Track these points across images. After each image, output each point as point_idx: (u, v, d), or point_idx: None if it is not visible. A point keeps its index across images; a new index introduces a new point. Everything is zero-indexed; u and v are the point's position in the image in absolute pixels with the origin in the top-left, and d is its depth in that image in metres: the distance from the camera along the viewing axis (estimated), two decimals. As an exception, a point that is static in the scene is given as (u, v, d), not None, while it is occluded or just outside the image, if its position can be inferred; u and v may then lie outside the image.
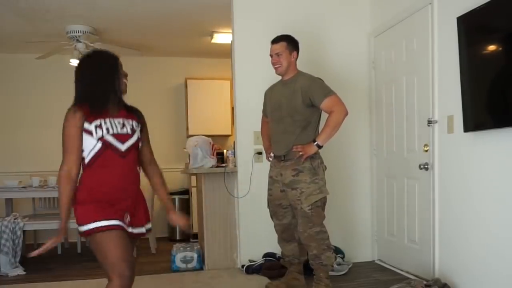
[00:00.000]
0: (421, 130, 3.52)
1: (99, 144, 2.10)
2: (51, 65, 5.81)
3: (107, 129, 2.11)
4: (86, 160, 2.11)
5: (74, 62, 5.24)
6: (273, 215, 3.37)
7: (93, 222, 2.05)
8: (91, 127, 2.08)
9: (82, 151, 2.10)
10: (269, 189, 3.33)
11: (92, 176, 2.13)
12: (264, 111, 3.49)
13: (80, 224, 2.08)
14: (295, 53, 3.23)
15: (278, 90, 3.28)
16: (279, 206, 3.28)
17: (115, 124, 2.14)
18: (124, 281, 2.03)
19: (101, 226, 2.05)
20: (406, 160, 3.75)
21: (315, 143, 3.05)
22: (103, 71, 2.14)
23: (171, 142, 6.46)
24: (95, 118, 2.09)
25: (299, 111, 3.11)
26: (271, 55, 3.24)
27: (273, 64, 3.23)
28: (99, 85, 2.12)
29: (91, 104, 2.10)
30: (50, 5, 4.42)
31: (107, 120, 2.12)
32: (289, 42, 3.21)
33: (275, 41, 3.23)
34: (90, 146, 2.09)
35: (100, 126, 2.10)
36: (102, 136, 2.10)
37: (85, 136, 2.08)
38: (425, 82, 3.45)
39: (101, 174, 2.12)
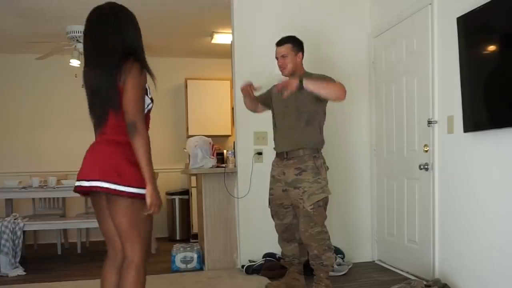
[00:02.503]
0: (421, 130, 3.52)
1: (151, 104, 2.07)
2: (51, 65, 5.81)
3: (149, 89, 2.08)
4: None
5: (74, 63, 5.24)
6: (274, 214, 3.37)
7: (144, 188, 1.94)
8: (146, 85, 2.02)
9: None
10: (270, 189, 3.34)
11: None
12: (261, 95, 3.41)
13: (138, 186, 1.93)
14: (300, 54, 3.24)
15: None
16: (281, 205, 3.29)
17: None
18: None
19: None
20: (406, 160, 3.75)
21: (299, 80, 2.88)
22: (138, 29, 2.08)
23: (171, 142, 6.46)
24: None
25: (305, 104, 3.11)
26: (276, 58, 3.25)
27: (280, 66, 3.24)
28: (141, 42, 2.06)
29: (142, 61, 2.00)
30: (50, 5, 4.43)
31: None
32: (294, 44, 3.22)
33: (280, 43, 3.23)
34: (146, 102, 2.02)
35: (148, 86, 2.06)
36: (151, 96, 2.07)
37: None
38: (425, 82, 3.45)
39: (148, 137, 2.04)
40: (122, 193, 1.92)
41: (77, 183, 2.01)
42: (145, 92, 2.01)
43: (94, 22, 2.03)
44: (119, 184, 1.91)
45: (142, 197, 1.94)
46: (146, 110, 2.03)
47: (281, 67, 3.24)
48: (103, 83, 1.95)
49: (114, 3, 2.09)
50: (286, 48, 3.19)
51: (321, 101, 3.11)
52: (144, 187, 1.94)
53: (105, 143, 2.01)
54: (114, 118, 1.99)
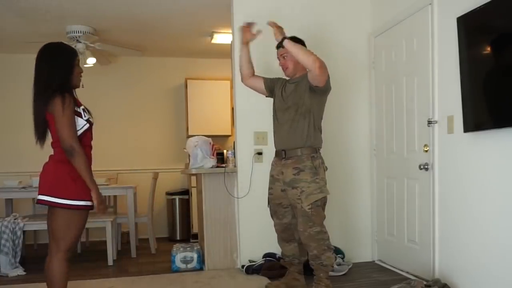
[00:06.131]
0: (421, 130, 3.52)
1: (87, 125, 2.44)
2: (51, 65, 5.80)
3: (89, 112, 2.50)
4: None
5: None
6: (273, 214, 3.37)
7: (85, 200, 2.40)
8: (80, 109, 2.43)
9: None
10: (269, 188, 3.34)
11: None
12: (265, 79, 3.45)
13: (76, 198, 2.37)
14: None
15: (287, 86, 3.32)
16: (279, 205, 3.29)
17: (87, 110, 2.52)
18: None
19: (88, 206, 2.42)
20: (406, 160, 3.75)
21: (284, 35, 3.09)
22: (74, 62, 2.45)
23: (171, 142, 6.46)
24: (80, 103, 2.47)
25: (302, 96, 3.13)
26: (278, 58, 3.29)
27: (282, 67, 3.28)
28: (70, 73, 2.43)
29: (71, 91, 2.43)
30: (50, 5, 4.43)
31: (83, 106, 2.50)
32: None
33: (280, 44, 3.23)
34: (79, 126, 2.41)
35: (85, 110, 2.47)
36: (89, 118, 2.46)
37: (76, 118, 2.39)
38: (425, 82, 3.45)
39: (86, 152, 2.42)
40: (58, 205, 2.36)
41: (40, 197, 2.45)
42: (79, 115, 2.40)
43: (36, 60, 2.42)
44: (58, 197, 2.36)
45: (77, 207, 2.38)
46: (82, 131, 2.41)
47: (283, 68, 3.27)
48: (38, 112, 2.37)
49: (52, 43, 2.47)
50: (285, 49, 3.18)
51: (317, 94, 3.12)
52: (81, 199, 2.38)
53: (52, 163, 2.45)
54: (52, 141, 2.42)
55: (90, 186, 2.38)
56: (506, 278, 2.71)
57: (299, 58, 3.04)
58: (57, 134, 2.35)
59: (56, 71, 2.37)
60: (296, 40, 3.23)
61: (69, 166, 2.37)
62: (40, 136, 2.42)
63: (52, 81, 2.34)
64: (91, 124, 2.48)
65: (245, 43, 3.39)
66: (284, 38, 3.06)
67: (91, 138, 2.52)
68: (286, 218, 3.31)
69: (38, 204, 2.44)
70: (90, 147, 2.52)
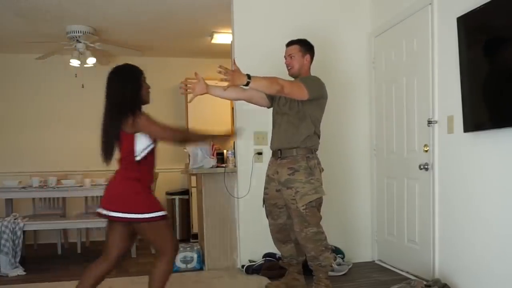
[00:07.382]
0: (421, 130, 3.52)
1: (153, 145, 2.52)
2: (51, 65, 5.81)
3: None
4: (139, 157, 2.47)
5: (74, 63, 5.25)
6: (268, 214, 3.37)
7: (155, 212, 2.45)
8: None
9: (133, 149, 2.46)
10: (265, 188, 3.34)
11: (146, 170, 2.53)
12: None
13: (149, 211, 2.43)
14: (308, 56, 3.27)
15: None
16: (274, 205, 3.29)
17: None
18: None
19: (162, 215, 2.48)
20: (406, 160, 3.75)
21: (247, 74, 2.89)
22: (141, 78, 2.59)
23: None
24: None
25: (299, 104, 3.14)
26: (285, 57, 3.30)
27: (286, 66, 3.29)
28: (140, 92, 2.55)
29: (140, 108, 2.52)
30: (50, 5, 4.43)
31: None
32: (302, 45, 3.26)
33: (289, 44, 3.29)
34: (144, 145, 2.48)
35: None
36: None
37: (142, 137, 2.47)
38: (425, 82, 3.45)
39: (150, 170, 2.56)
40: (140, 220, 2.42)
41: (98, 209, 2.51)
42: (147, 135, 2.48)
43: (108, 81, 2.52)
44: (135, 213, 2.42)
45: (153, 219, 2.43)
46: (148, 150, 2.49)
47: (288, 67, 3.28)
48: (112, 132, 2.47)
49: (119, 66, 2.59)
50: (294, 49, 3.24)
51: (311, 101, 3.12)
52: (153, 211, 2.44)
53: (121, 179, 2.51)
54: (120, 157, 2.50)
55: (201, 139, 2.76)
56: (506, 278, 2.71)
57: (265, 91, 3.09)
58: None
59: (128, 88, 2.47)
60: (305, 43, 3.28)
61: (136, 183, 2.46)
62: (108, 154, 2.50)
63: (125, 100, 2.44)
64: (156, 143, 2.56)
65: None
66: (248, 75, 2.89)
67: (155, 157, 2.60)
68: (281, 218, 3.30)
69: (119, 222, 2.46)
70: (154, 166, 2.59)
